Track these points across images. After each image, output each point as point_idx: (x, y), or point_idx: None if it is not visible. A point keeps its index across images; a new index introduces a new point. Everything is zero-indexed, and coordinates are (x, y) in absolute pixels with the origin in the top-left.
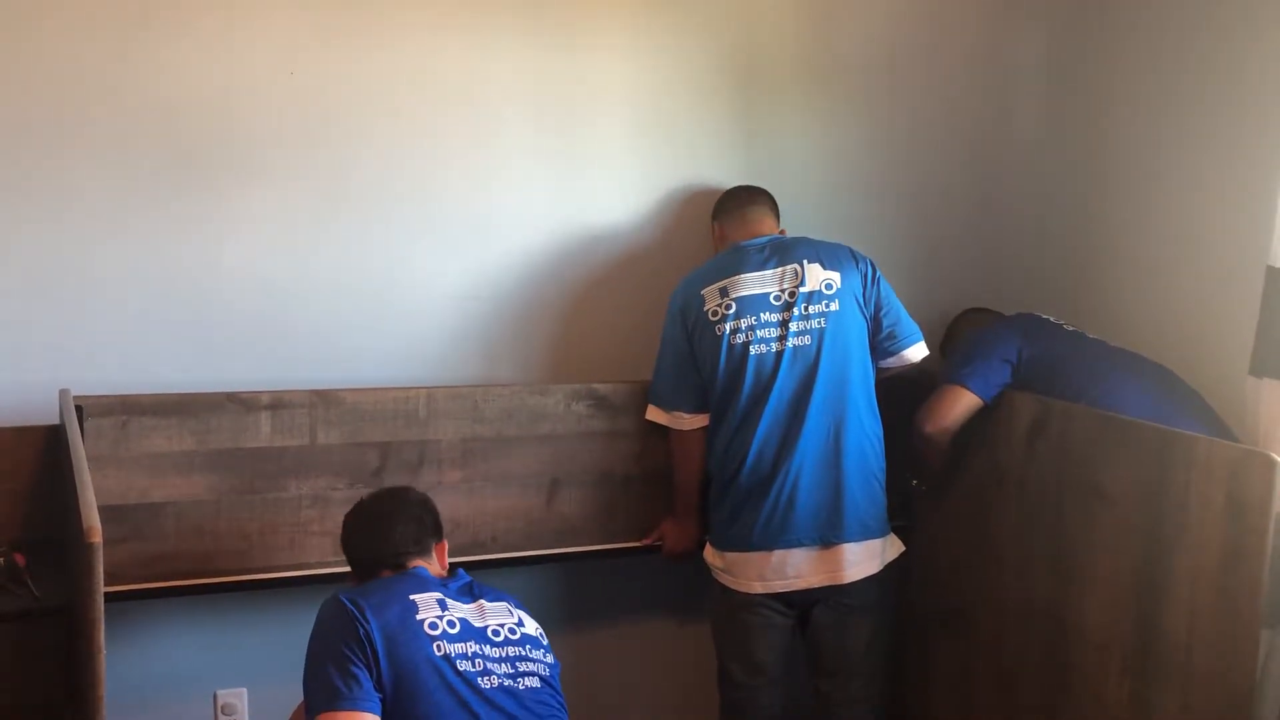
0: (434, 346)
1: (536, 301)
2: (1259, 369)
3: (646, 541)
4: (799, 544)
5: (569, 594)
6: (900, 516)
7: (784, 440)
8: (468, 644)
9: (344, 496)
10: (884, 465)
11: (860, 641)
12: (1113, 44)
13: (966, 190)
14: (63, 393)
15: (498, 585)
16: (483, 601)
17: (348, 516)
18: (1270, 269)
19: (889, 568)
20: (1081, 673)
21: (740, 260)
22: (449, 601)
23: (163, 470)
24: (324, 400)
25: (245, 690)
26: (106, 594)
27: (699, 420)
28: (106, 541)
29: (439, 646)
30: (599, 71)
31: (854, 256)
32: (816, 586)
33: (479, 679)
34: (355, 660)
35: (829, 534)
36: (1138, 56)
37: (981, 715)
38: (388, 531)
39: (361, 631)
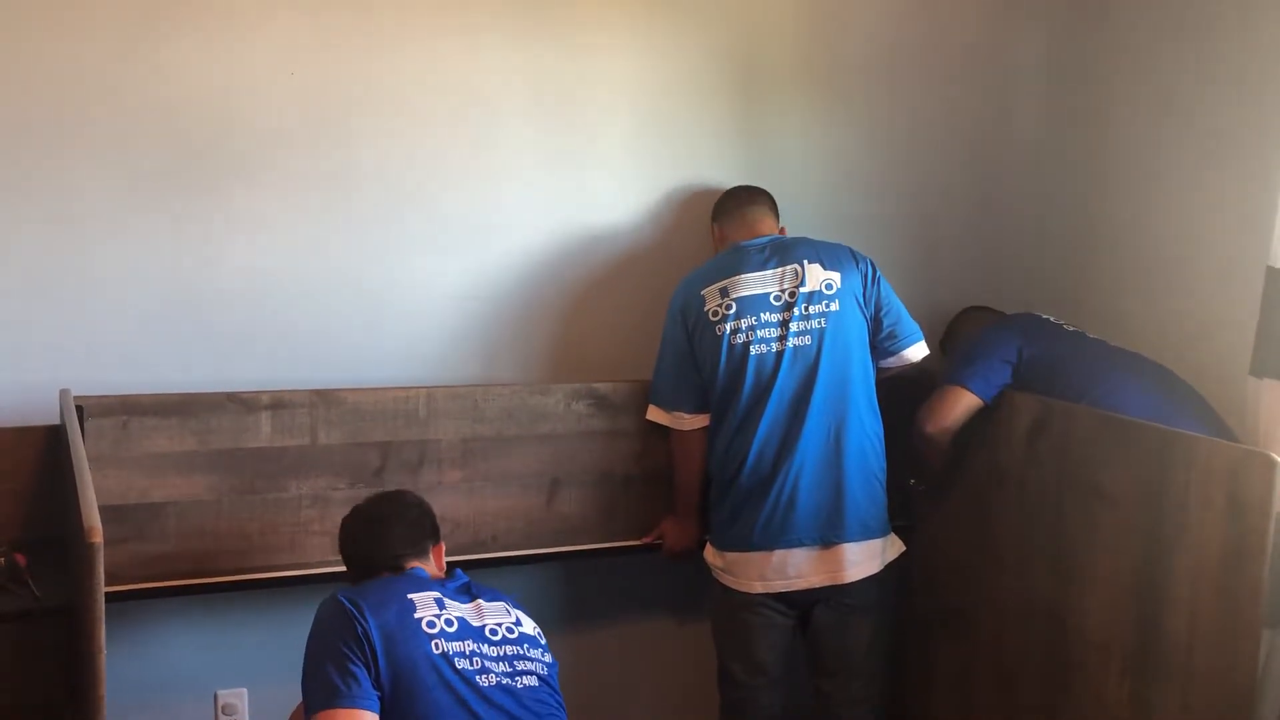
0: (434, 346)
1: (537, 301)
2: (1259, 369)
3: (647, 541)
4: (799, 544)
5: (569, 594)
6: (901, 516)
7: (784, 440)
8: (465, 642)
9: (344, 496)
10: (884, 465)
11: (861, 641)
12: (1113, 44)
13: (966, 190)
14: (63, 393)
15: (498, 585)
16: (480, 601)
17: (345, 521)
18: (1270, 269)
19: (889, 568)
20: (1082, 673)
21: (740, 260)
22: (447, 601)
23: (163, 470)
24: (324, 400)
25: (245, 690)
26: (107, 594)
27: (699, 420)
28: (107, 541)
29: (437, 644)
30: (599, 72)
31: (854, 256)
32: (817, 586)
33: (477, 677)
34: (354, 658)
35: (829, 534)
36: (1138, 56)
37: (982, 715)
38: (385, 534)
39: (360, 630)
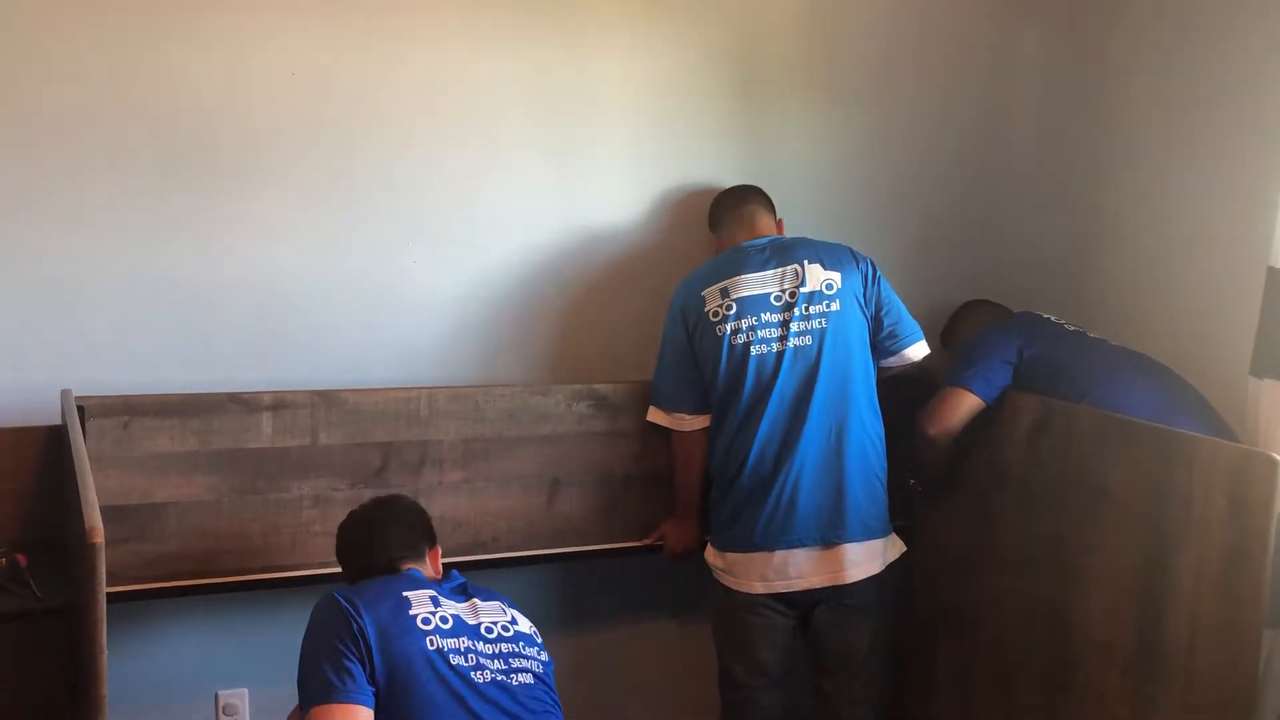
0: (435, 347)
1: (537, 302)
2: (1260, 369)
3: (647, 541)
4: (800, 544)
5: (570, 594)
6: (902, 516)
7: (785, 440)
8: (460, 639)
9: (345, 497)
10: (885, 465)
11: (862, 642)
12: (1114, 45)
13: (966, 190)
14: (65, 393)
15: (499, 586)
16: (476, 600)
17: (341, 526)
18: (1271, 270)
19: (891, 568)
20: (1083, 673)
21: (741, 261)
22: (442, 599)
23: (164, 471)
24: (326, 401)
25: (246, 690)
26: (108, 594)
27: (700, 421)
28: (108, 542)
29: (432, 641)
30: (599, 72)
31: (854, 256)
32: (818, 587)
33: (472, 673)
34: (349, 654)
35: (830, 534)
36: (1137, 56)
37: (983, 715)
38: (381, 536)
39: (355, 626)
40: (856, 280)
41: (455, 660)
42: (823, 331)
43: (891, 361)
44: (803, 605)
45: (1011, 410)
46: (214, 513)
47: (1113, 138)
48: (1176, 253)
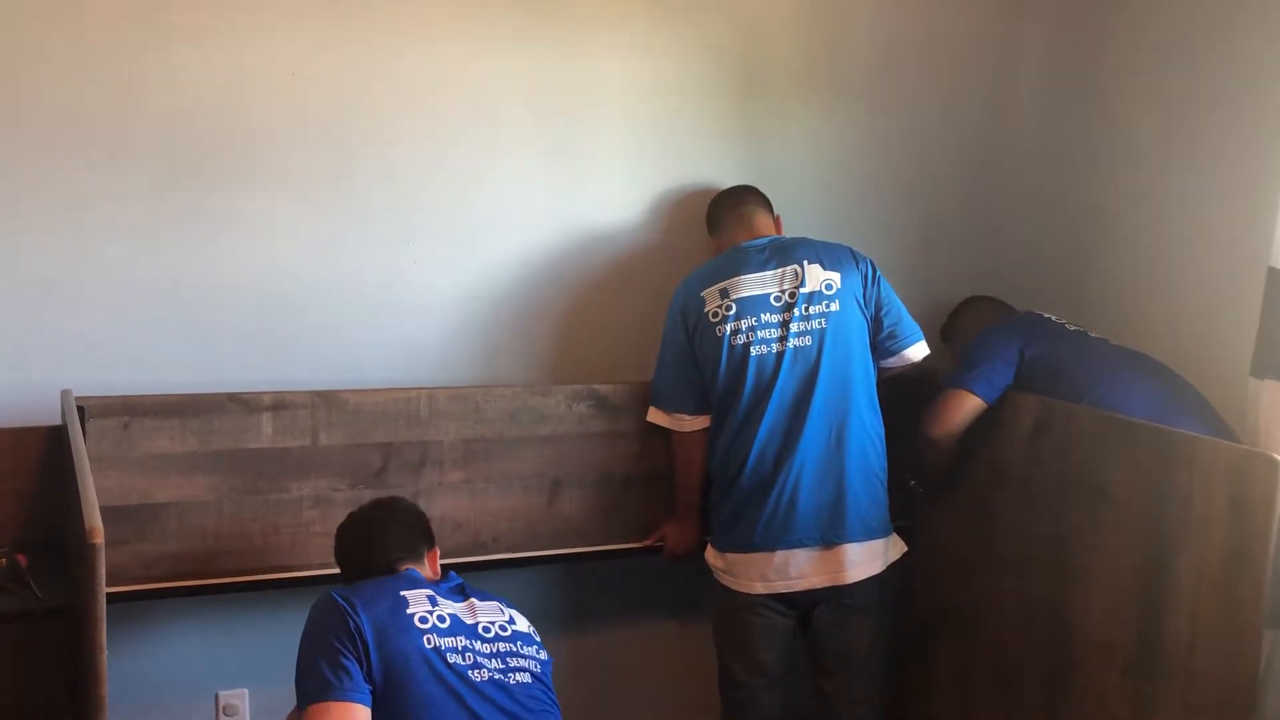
0: (435, 347)
1: (537, 302)
2: (1260, 370)
3: (648, 542)
4: (801, 544)
5: (570, 595)
6: (903, 516)
7: (785, 441)
8: (458, 638)
9: (346, 497)
10: (886, 465)
11: (862, 642)
12: (1113, 44)
13: (966, 190)
14: (65, 393)
15: (499, 586)
16: (473, 600)
17: (340, 528)
18: (1271, 270)
19: (891, 568)
20: (1084, 673)
21: (740, 261)
22: (440, 598)
23: (165, 471)
24: (326, 401)
25: (247, 691)
26: (108, 594)
27: (700, 421)
28: (108, 542)
29: (429, 639)
30: (600, 71)
31: (854, 257)
32: (818, 587)
33: (469, 672)
34: (346, 652)
35: (831, 534)
36: (1138, 56)
37: (983, 715)
38: (380, 537)
39: (352, 624)
40: (856, 280)
41: (452, 659)
42: (822, 332)
43: (891, 362)
44: (803, 605)
45: (1012, 410)
46: (214, 513)
47: (1113, 138)
48: (1176, 253)
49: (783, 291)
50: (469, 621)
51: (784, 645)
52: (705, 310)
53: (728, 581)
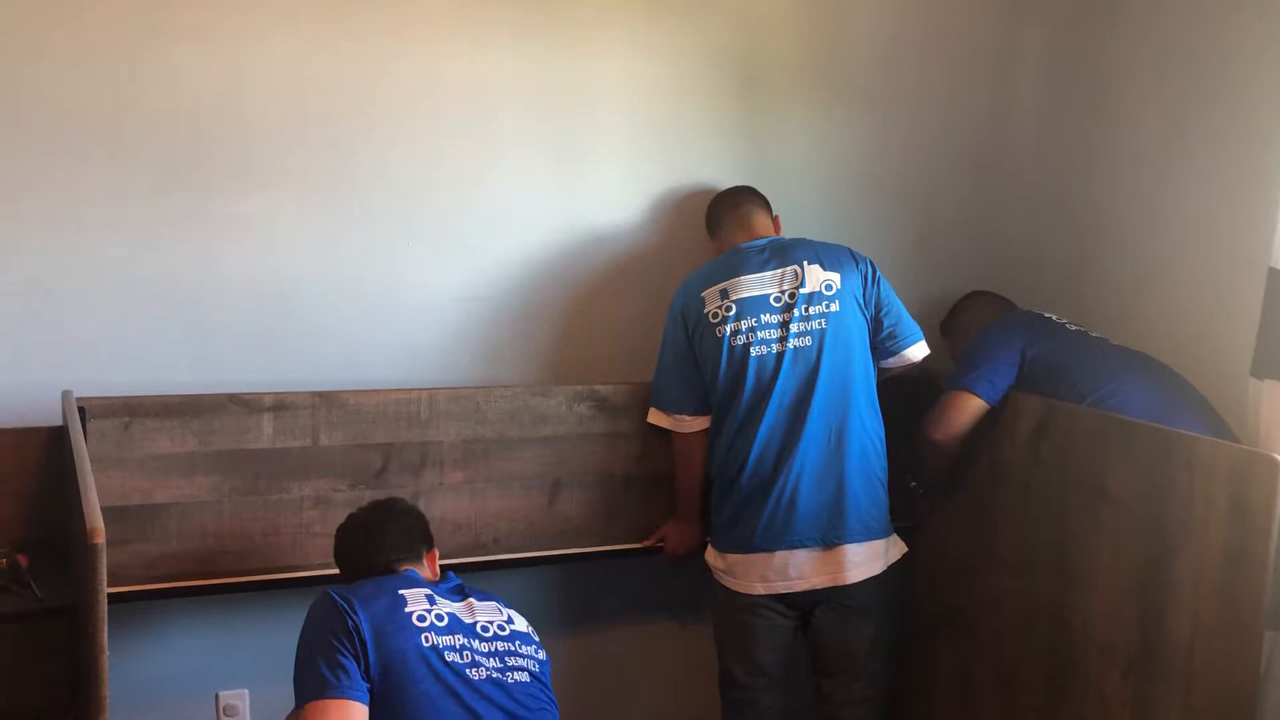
0: (436, 348)
1: (538, 302)
2: (1260, 370)
3: (648, 543)
4: (801, 545)
5: (570, 596)
6: (903, 517)
7: (785, 441)
8: (456, 636)
9: (346, 498)
10: (886, 465)
11: (862, 642)
12: (1114, 44)
13: (967, 190)
14: (66, 394)
15: (499, 586)
16: (472, 600)
17: (339, 529)
18: (1272, 270)
19: (892, 568)
20: (1084, 674)
21: (740, 262)
22: (438, 598)
23: (165, 471)
24: (326, 402)
25: (247, 691)
26: (109, 595)
27: (700, 422)
28: (109, 542)
29: (427, 637)
30: (600, 72)
31: (854, 257)
32: (818, 588)
33: (467, 670)
34: (343, 650)
35: (831, 535)
36: (1138, 56)
37: (983, 716)
38: (378, 538)
39: (350, 623)
40: (856, 281)
41: (450, 657)
42: (822, 332)
43: (891, 362)
44: (803, 606)
45: (1012, 411)
46: (215, 513)
47: (1113, 138)
48: (1176, 253)
49: (782, 292)
50: (467, 620)
51: (784, 646)
52: (705, 311)
53: (728, 582)
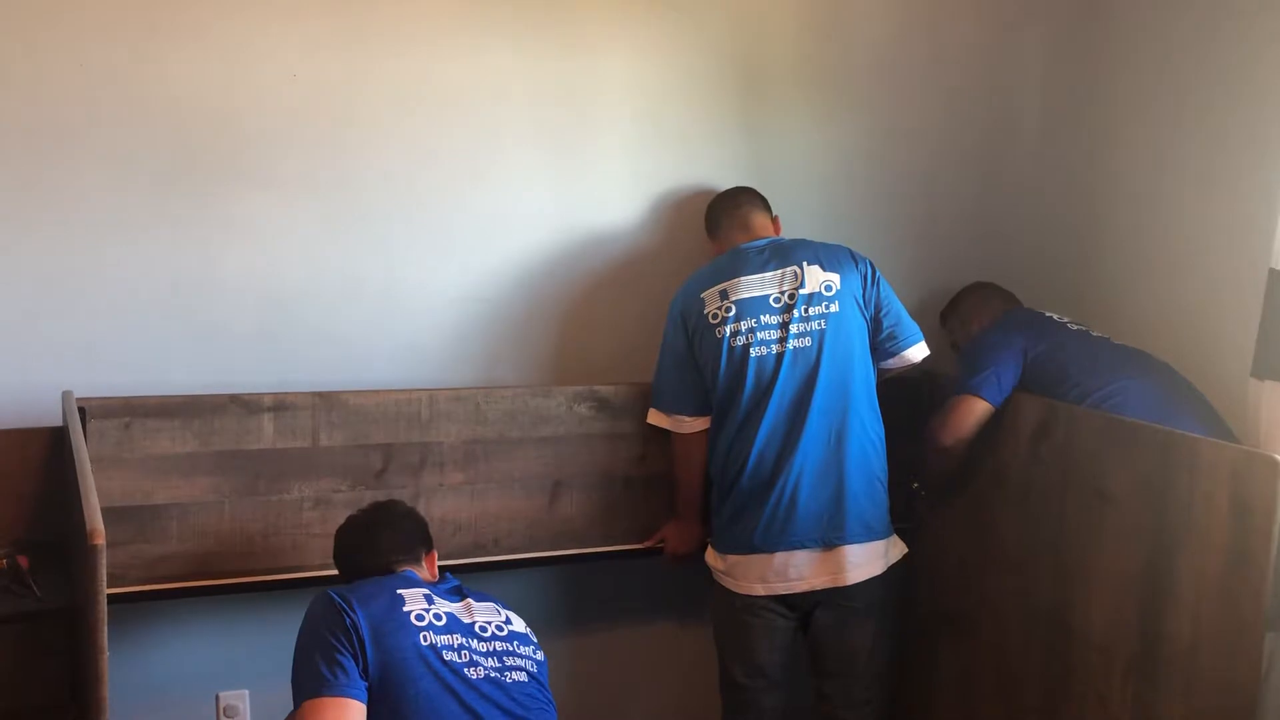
0: (436, 348)
1: (538, 303)
2: (1260, 371)
3: (649, 544)
4: (801, 546)
5: (571, 596)
6: (903, 518)
7: (785, 442)
8: (454, 636)
9: (346, 498)
10: (886, 466)
11: (863, 643)
12: (1114, 45)
13: (967, 191)
14: (66, 394)
15: (500, 587)
16: (470, 601)
17: (339, 530)
18: (1272, 271)
19: (892, 569)
20: (1085, 675)
21: (740, 263)
22: (436, 598)
23: (166, 472)
24: (326, 402)
25: (247, 692)
26: (109, 595)
27: (700, 423)
28: (109, 543)
29: (425, 637)
30: (600, 73)
31: (853, 258)
32: (818, 588)
33: (465, 669)
34: (341, 649)
35: (831, 535)
36: (1139, 57)
37: (984, 717)
38: (377, 539)
39: (348, 621)
40: (856, 281)
41: (449, 656)
42: (822, 333)
43: (891, 363)
44: (803, 607)
45: (1014, 412)
46: (215, 514)
47: (1113, 138)
48: (1176, 253)
49: (782, 293)
50: (465, 620)
51: (784, 647)
52: (705, 312)
53: (728, 583)
